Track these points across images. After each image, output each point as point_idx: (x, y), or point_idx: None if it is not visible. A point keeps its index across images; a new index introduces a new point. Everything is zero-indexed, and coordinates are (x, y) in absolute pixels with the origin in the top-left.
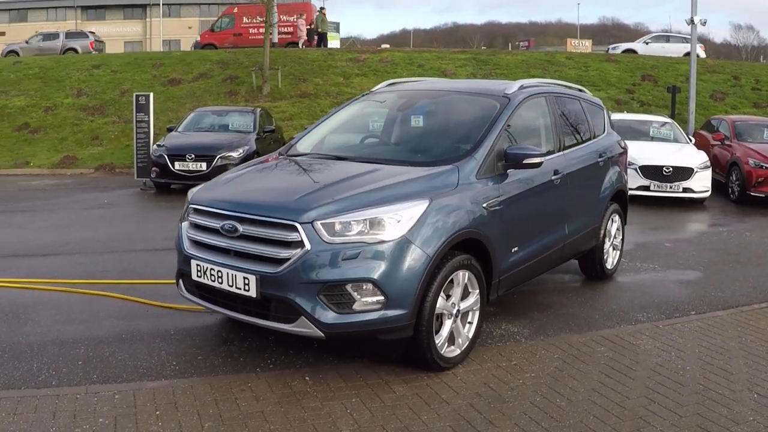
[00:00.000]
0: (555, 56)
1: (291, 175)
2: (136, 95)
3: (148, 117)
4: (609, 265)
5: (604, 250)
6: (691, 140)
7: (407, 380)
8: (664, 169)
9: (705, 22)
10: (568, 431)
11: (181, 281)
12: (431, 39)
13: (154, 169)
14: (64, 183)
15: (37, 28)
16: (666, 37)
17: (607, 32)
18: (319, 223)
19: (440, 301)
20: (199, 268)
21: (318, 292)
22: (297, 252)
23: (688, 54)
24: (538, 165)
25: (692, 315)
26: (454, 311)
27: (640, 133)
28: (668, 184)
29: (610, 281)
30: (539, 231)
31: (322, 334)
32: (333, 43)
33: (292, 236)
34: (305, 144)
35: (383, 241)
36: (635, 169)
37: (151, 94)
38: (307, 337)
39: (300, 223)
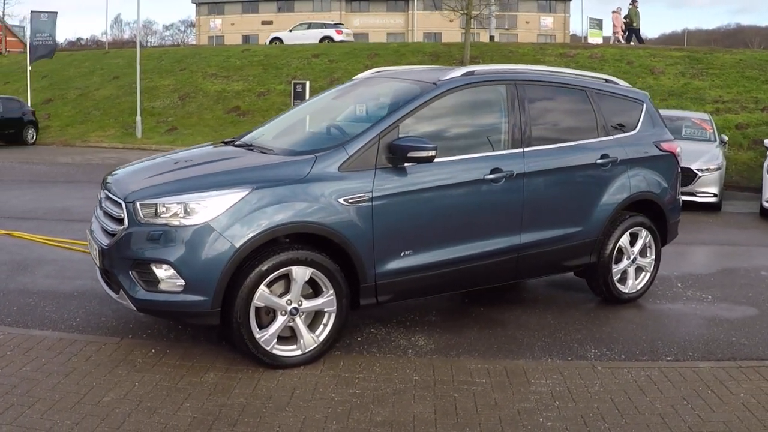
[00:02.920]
0: None
1: (176, 159)
2: (294, 83)
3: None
4: (626, 289)
5: (614, 270)
6: None
7: (232, 370)
8: None
9: None
10: None
11: None
12: (708, 40)
13: None
14: None
15: (303, 19)
16: (308, 24)
17: None
18: (138, 203)
19: (265, 295)
20: (87, 238)
21: (130, 268)
22: (120, 229)
23: (322, 39)
24: (429, 159)
25: (663, 361)
26: (290, 308)
27: None
28: None
29: (621, 307)
30: (458, 236)
31: (135, 308)
32: (595, 40)
33: (121, 214)
34: (260, 130)
35: (186, 226)
36: None
37: (308, 82)
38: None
39: (124, 202)
